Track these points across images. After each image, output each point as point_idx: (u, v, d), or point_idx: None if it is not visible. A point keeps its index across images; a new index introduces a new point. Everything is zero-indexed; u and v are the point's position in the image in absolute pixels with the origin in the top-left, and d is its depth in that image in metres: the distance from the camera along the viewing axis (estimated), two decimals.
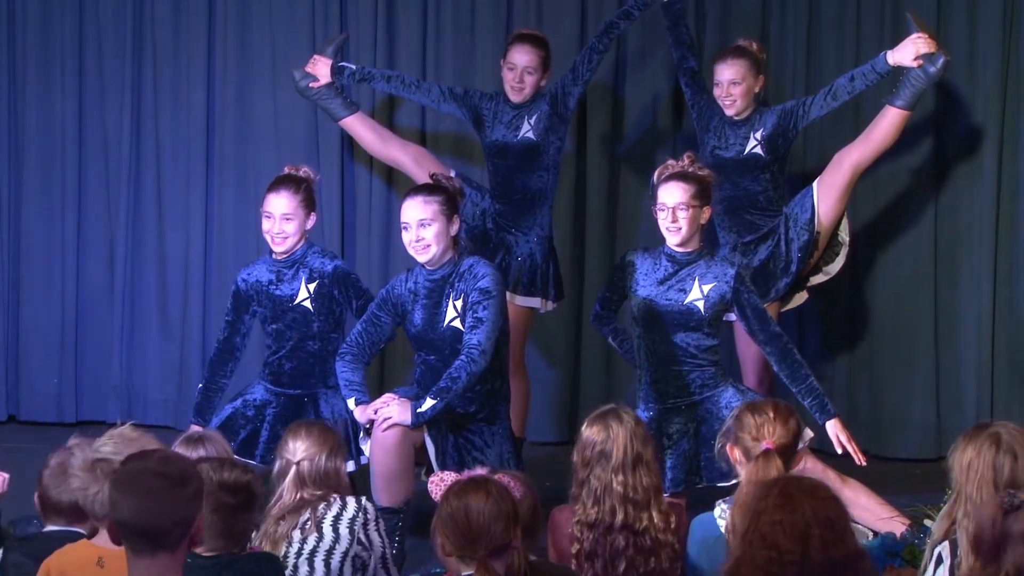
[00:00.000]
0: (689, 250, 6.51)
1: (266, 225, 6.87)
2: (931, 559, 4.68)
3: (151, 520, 3.57)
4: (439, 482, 4.55)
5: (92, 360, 8.85)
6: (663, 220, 6.50)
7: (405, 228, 6.44)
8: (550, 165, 7.62)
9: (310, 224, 6.90)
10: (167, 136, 8.74)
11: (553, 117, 7.57)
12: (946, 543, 4.66)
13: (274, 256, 6.90)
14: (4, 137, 8.83)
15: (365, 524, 5.19)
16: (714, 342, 6.53)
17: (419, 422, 6.20)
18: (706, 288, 6.46)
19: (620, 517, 5.08)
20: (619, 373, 8.34)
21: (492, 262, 6.87)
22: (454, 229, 6.45)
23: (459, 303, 6.40)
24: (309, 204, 6.88)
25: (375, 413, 6.23)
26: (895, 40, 7.63)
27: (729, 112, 7.47)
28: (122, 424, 4.49)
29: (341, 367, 6.51)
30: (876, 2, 8.16)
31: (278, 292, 6.87)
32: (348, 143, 8.52)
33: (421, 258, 6.43)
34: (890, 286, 8.19)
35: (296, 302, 6.84)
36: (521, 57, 7.57)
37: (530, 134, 7.57)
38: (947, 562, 4.62)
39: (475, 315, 6.33)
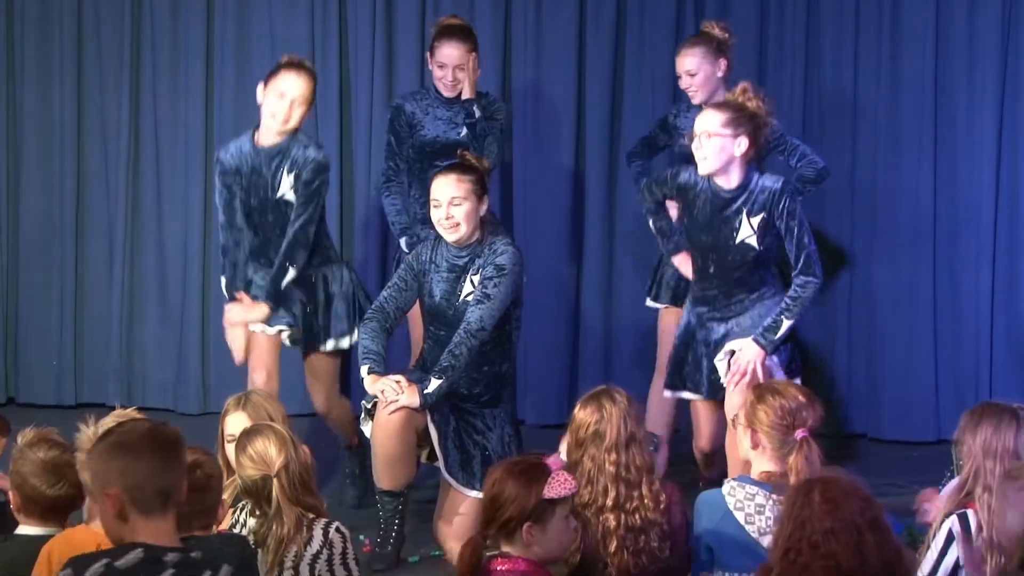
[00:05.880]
0: (733, 186, 6.30)
1: None
2: (940, 534, 4.67)
3: (167, 476, 3.69)
4: (563, 482, 4.49)
5: (91, 342, 8.85)
6: (694, 148, 6.30)
7: (436, 205, 6.38)
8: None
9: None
10: (166, 122, 8.73)
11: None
12: (954, 517, 4.66)
13: None
14: (2, 122, 8.82)
15: (330, 560, 4.70)
16: (769, 258, 6.36)
17: (428, 403, 6.20)
18: (755, 221, 6.28)
19: (612, 496, 5.05)
20: (617, 355, 8.35)
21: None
22: (483, 209, 6.40)
23: (476, 278, 6.37)
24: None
25: (382, 394, 6.20)
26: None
27: (695, 101, 7.14)
28: (122, 408, 4.50)
29: (363, 333, 6.45)
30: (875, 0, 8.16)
31: None
32: (346, 139, 8.52)
33: (450, 237, 6.37)
34: (889, 269, 8.19)
35: None
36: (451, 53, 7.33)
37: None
38: (960, 536, 4.62)
39: (484, 290, 6.30)
